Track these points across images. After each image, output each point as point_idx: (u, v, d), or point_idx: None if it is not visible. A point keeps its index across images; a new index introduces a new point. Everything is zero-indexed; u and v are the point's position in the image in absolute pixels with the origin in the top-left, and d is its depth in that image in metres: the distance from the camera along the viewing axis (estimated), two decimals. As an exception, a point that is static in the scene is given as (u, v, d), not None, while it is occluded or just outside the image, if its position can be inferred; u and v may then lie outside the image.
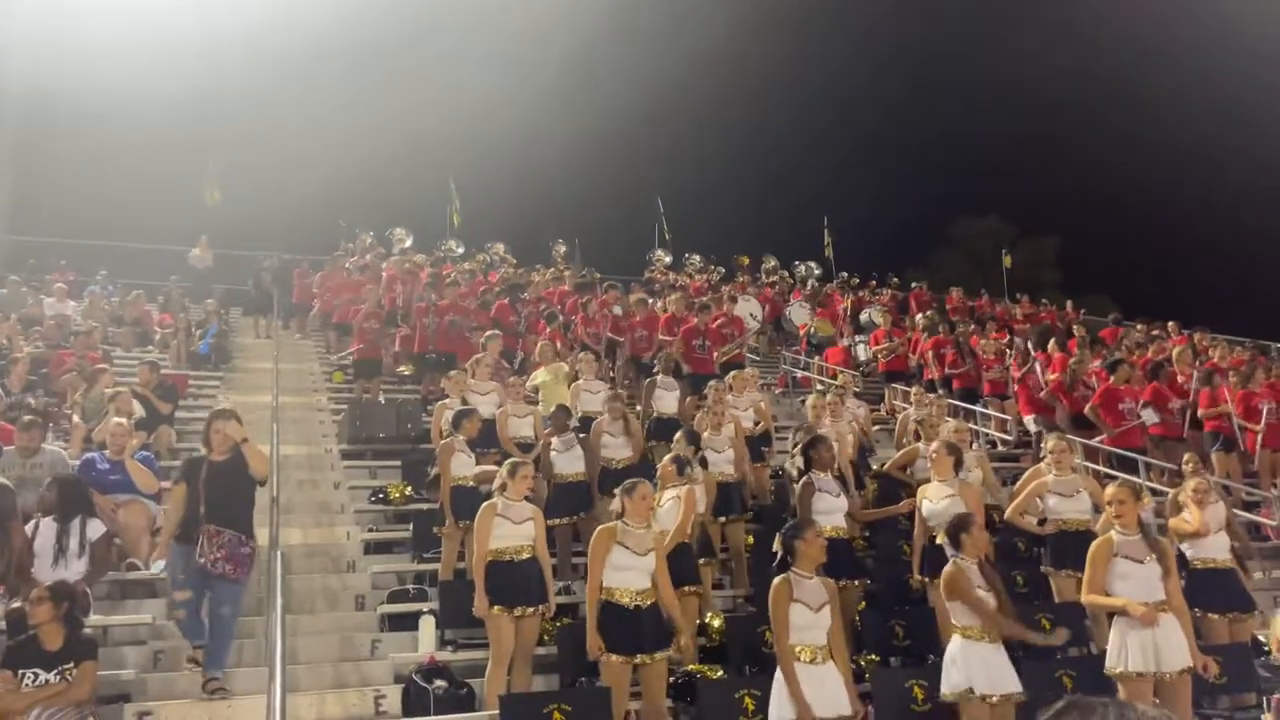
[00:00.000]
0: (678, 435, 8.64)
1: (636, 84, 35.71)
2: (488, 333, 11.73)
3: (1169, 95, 35.78)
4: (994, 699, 5.43)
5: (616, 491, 6.18)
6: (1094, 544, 6.05)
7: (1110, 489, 6.24)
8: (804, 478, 7.62)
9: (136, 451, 8.45)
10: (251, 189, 26.24)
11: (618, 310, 14.10)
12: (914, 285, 21.86)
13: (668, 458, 7.64)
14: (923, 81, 40.27)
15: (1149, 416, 11.17)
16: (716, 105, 37.54)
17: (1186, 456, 8.82)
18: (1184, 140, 35.46)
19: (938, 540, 6.26)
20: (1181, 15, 34.83)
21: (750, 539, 8.70)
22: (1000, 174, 38.48)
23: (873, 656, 7.05)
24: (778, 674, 5.27)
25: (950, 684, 5.55)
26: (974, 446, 12.42)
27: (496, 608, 6.32)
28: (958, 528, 5.81)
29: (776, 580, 5.33)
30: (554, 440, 9.00)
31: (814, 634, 5.23)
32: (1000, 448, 12.84)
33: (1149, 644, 5.65)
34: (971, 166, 39.11)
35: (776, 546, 5.47)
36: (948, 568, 5.77)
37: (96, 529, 6.58)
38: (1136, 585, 5.76)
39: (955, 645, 5.59)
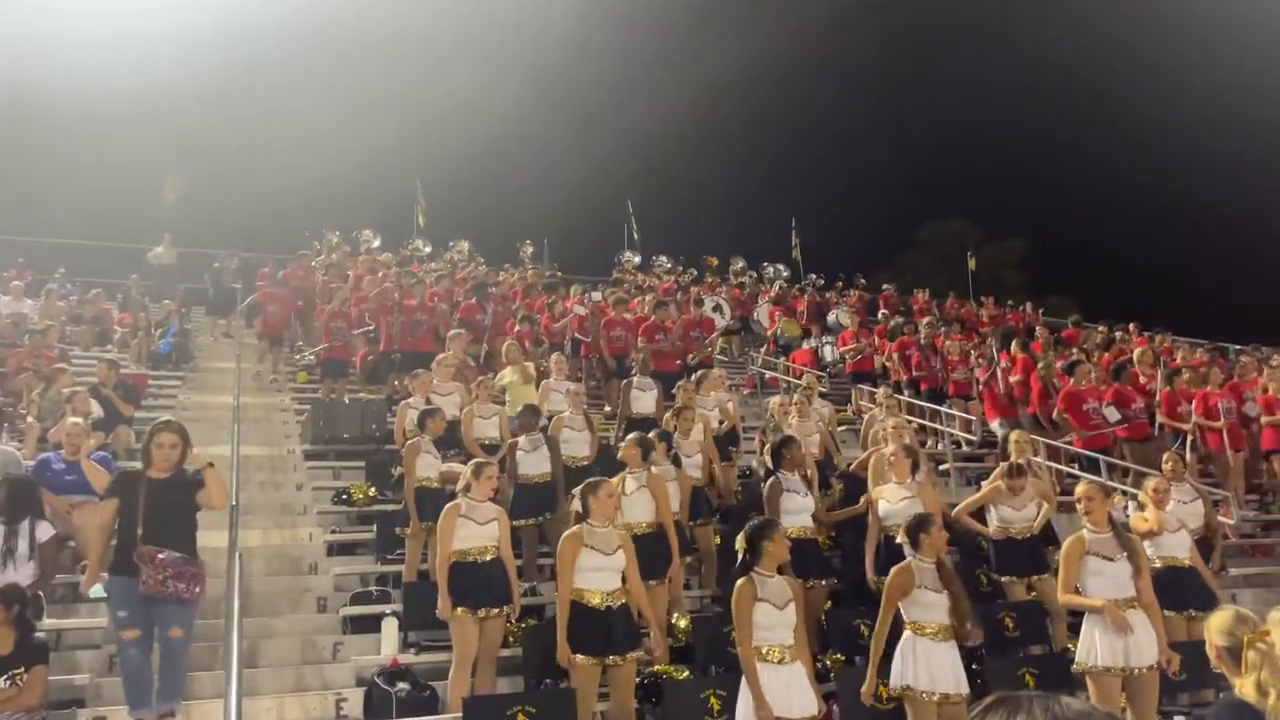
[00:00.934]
0: (651, 435, 8.61)
1: (604, 85, 35.72)
2: (451, 331, 11.65)
3: (1135, 101, 36.33)
4: (934, 696, 5.45)
5: (575, 492, 6.13)
6: (1066, 542, 6.10)
7: (1079, 487, 6.29)
8: (772, 477, 7.62)
9: (93, 452, 8.28)
10: (214, 188, 25.96)
11: (581, 310, 14.04)
12: (885, 288, 21.99)
13: (631, 437, 7.56)
14: (892, 86, 40.64)
15: (1110, 414, 11.30)
16: (685, 108, 37.54)
17: (1166, 456, 8.92)
18: (1150, 145, 35.99)
19: (898, 540, 6.28)
20: (1150, 21, 35.36)
21: (718, 539, 8.69)
22: (967, 177, 38.91)
23: (838, 656, 7.07)
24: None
25: (895, 678, 5.59)
26: (938, 447, 12.55)
27: (460, 609, 6.25)
28: (918, 528, 5.82)
29: (740, 581, 5.31)
30: (521, 439, 8.92)
31: (780, 632, 5.23)
32: (965, 448, 12.93)
33: (1118, 640, 5.70)
34: (940, 170, 39.54)
35: (740, 545, 5.44)
36: (900, 564, 5.79)
37: (46, 531, 6.43)
38: (1108, 582, 5.81)
39: (904, 640, 5.61)
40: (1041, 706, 1.38)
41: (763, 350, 17.24)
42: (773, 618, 5.21)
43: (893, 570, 5.77)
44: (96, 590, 6.43)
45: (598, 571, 5.82)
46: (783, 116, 39.69)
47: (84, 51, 27.76)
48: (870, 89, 40.22)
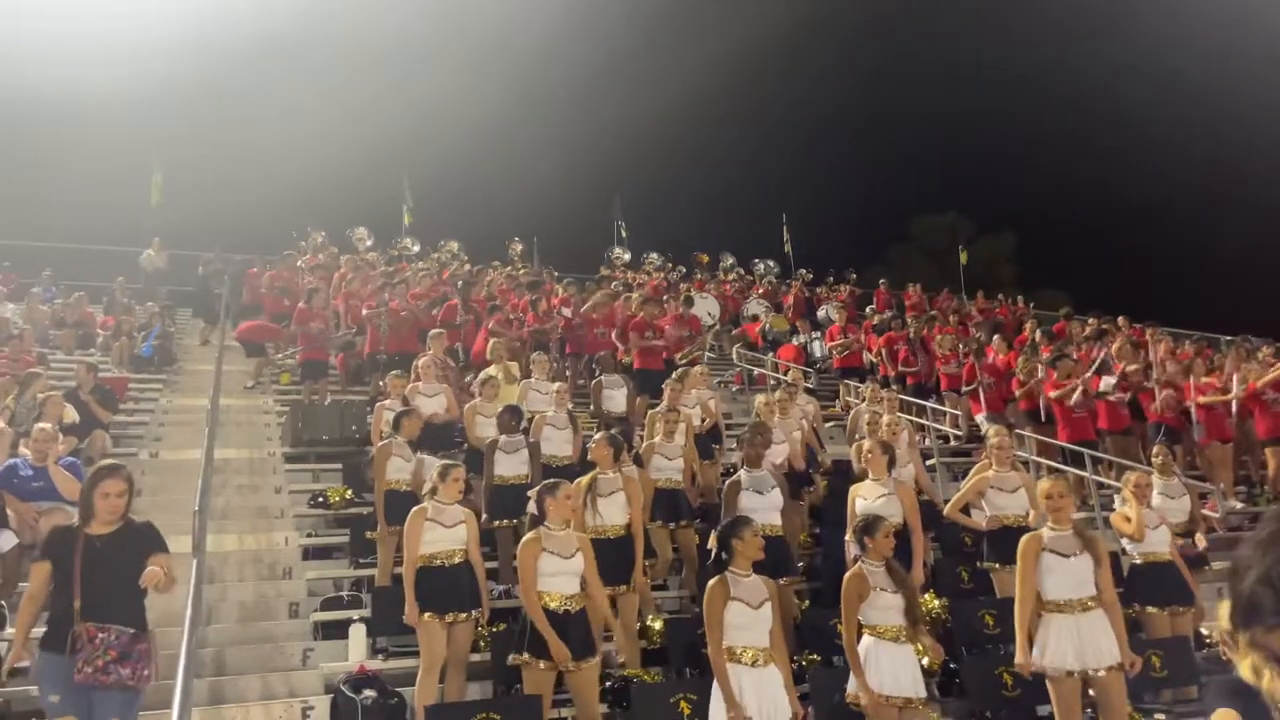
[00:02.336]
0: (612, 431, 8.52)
1: (595, 82, 35.62)
2: (431, 331, 11.57)
3: (1130, 92, 36.22)
4: (897, 700, 5.34)
5: (531, 495, 6.03)
6: (1022, 540, 5.93)
7: (1044, 484, 6.12)
8: (733, 475, 7.53)
9: (63, 457, 8.17)
10: (201, 190, 25.88)
11: (566, 312, 13.93)
12: (881, 283, 21.90)
13: (600, 437, 7.46)
14: (881, 78, 40.49)
15: (1106, 384, 11.23)
16: (675, 103, 37.40)
17: (1156, 449, 8.80)
18: (1142, 137, 35.90)
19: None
20: (1143, 12, 35.23)
21: (697, 539, 8.59)
22: (958, 170, 38.80)
23: (814, 656, 6.97)
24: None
25: (854, 685, 5.48)
26: (925, 442, 12.46)
27: (427, 614, 6.16)
28: (865, 531, 5.72)
29: (712, 581, 5.21)
30: (502, 440, 8.82)
31: (755, 633, 5.13)
32: (953, 443, 12.84)
33: (1075, 641, 5.56)
34: (930, 163, 39.45)
35: (711, 544, 5.36)
36: (850, 571, 5.69)
37: (8, 540, 6.33)
38: (1064, 579, 5.63)
39: (864, 645, 5.50)
40: None
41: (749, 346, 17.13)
42: (747, 616, 5.11)
43: (846, 578, 5.66)
44: (23, 667, 5.59)
45: (557, 576, 5.72)
46: (771, 111, 39.62)
47: (69, 55, 27.67)
48: (859, 82, 40.10)
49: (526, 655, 5.67)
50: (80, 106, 27.79)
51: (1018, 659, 5.67)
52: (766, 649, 5.14)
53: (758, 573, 5.36)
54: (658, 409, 9.42)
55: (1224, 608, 3.66)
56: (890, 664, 5.40)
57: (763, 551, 5.44)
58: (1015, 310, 20.58)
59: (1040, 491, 6.07)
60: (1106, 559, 5.76)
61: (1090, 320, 17.37)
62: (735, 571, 5.22)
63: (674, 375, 10.71)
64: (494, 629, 6.80)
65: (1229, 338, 17.15)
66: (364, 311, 13.59)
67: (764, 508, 7.28)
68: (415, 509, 6.45)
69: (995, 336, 14.63)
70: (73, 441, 9.23)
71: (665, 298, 16.64)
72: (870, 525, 5.69)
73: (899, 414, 10.49)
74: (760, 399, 10.52)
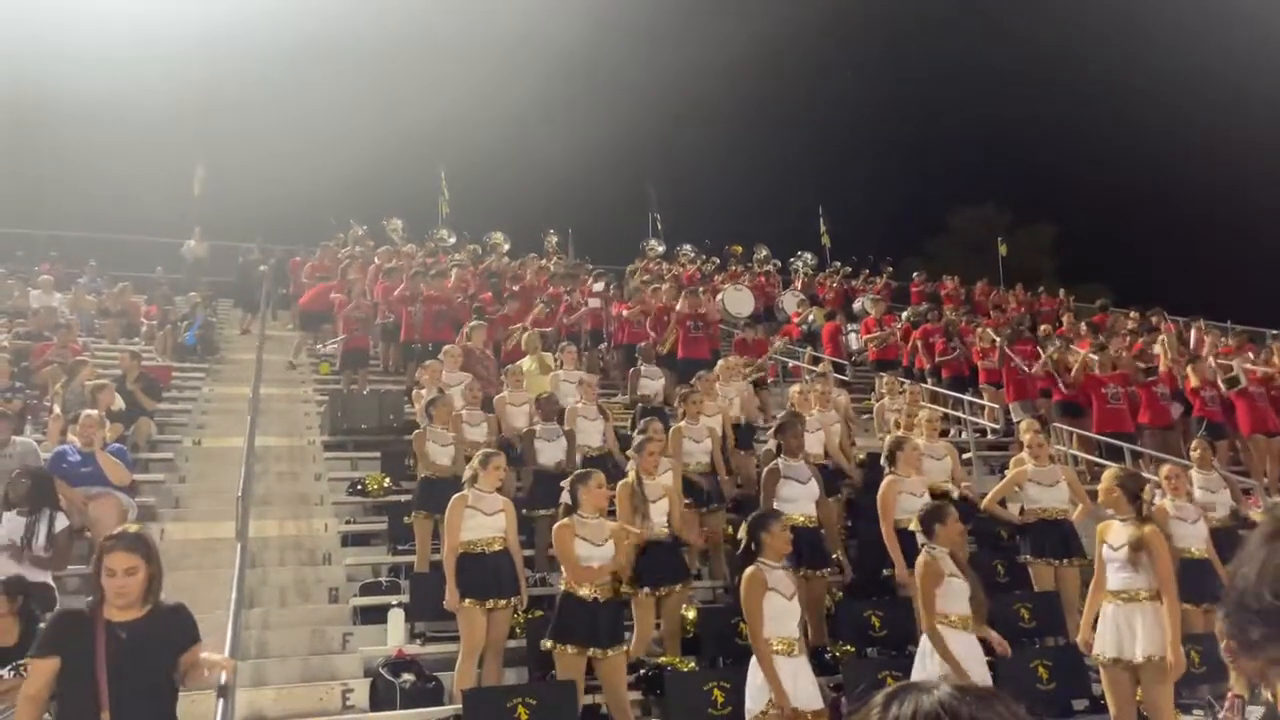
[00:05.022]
0: (645, 420, 8.57)
1: (632, 75, 35.61)
2: (471, 323, 11.67)
3: (1168, 82, 35.54)
4: None
5: (564, 485, 6.10)
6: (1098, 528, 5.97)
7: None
8: (770, 464, 7.54)
9: (110, 443, 8.36)
10: (243, 183, 26.23)
11: (594, 303, 13.97)
12: (916, 275, 21.73)
13: (647, 422, 7.51)
14: (919, 69, 40.11)
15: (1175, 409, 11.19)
16: (712, 96, 37.34)
17: (1195, 443, 8.70)
18: (1183, 126, 35.25)
19: (911, 528, 6.17)
20: (1185, 8, 34.62)
21: (729, 529, 8.62)
22: (997, 162, 38.32)
23: (848, 647, 6.98)
24: (752, 665, 5.20)
25: (925, 673, 5.47)
26: (962, 435, 12.39)
27: (467, 600, 6.25)
28: (933, 518, 5.73)
29: (748, 571, 5.25)
30: (539, 428, 8.93)
31: (788, 624, 5.18)
32: (990, 436, 12.74)
33: (1124, 631, 5.55)
34: (968, 155, 39.00)
35: (742, 535, 5.40)
36: (921, 557, 5.69)
37: (60, 522, 6.50)
38: (1118, 571, 5.66)
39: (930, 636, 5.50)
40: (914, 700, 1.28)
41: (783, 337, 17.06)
42: (781, 606, 5.18)
43: (921, 563, 5.66)
44: None
45: (588, 562, 5.78)
46: (809, 103, 39.29)
47: (116, 54, 28.12)
48: (898, 73, 39.75)
49: (550, 641, 5.73)
50: (127, 103, 28.25)
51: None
52: (799, 639, 5.19)
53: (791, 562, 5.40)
54: (682, 392, 9.47)
55: None
56: (963, 653, 5.40)
57: (791, 544, 5.47)
58: (1056, 303, 20.34)
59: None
60: (1160, 552, 5.65)
61: (1132, 314, 17.16)
62: (767, 562, 5.25)
63: (716, 368, 10.75)
64: (529, 615, 6.88)
65: (1275, 331, 16.90)
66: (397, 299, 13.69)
67: (802, 497, 7.29)
68: (456, 496, 6.53)
69: (1039, 328, 14.48)
70: (118, 429, 9.44)
71: (700, 289, 16.62)
72: (940, 512, 5.72)
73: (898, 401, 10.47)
74: (795, 389, 10.52)
